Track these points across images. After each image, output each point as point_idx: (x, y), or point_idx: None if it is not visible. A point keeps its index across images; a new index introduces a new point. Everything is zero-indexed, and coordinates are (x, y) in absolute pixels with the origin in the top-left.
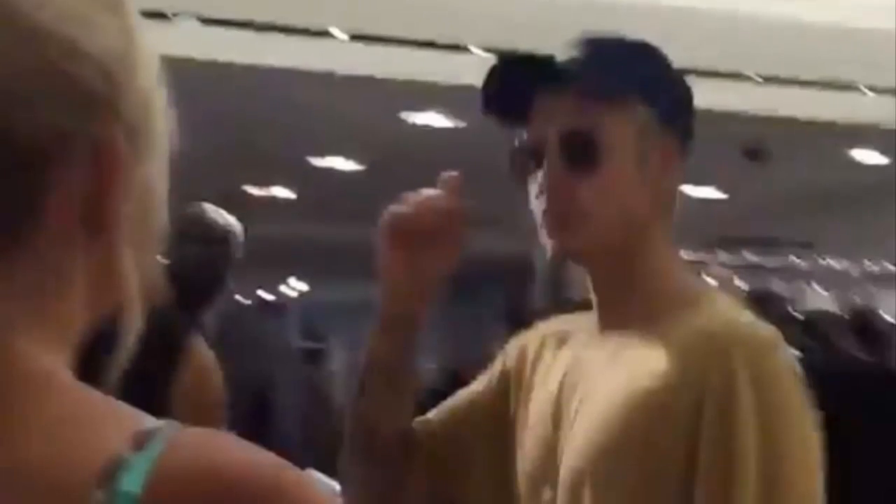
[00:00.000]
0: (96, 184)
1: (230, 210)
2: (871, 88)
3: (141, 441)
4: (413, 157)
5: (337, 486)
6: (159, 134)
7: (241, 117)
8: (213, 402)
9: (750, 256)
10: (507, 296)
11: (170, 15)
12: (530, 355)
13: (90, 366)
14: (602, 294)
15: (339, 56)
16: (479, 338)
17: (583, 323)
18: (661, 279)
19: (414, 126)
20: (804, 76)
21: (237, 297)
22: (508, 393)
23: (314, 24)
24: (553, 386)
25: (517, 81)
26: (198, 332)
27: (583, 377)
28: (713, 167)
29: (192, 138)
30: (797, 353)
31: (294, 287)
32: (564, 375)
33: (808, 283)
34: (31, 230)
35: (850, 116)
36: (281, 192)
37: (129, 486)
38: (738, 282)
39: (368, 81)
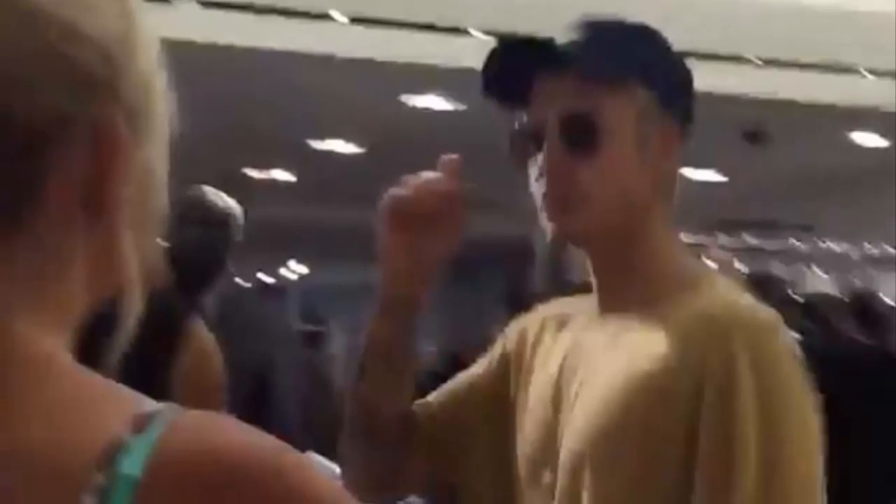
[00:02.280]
0: (96, 166)
1: (230, 193)
2: (871, 71)
3: (141, 424)
4: (413, 140)
5: (337, 469)
6: (159, 117)
7: (241, 100)
8: (212, 385)
9: (750, 239)
10: (507, 279)
11: None
12: (530, 338)
13: (90, 349)
14: (602, 277)
15: (340, 39)
16: (479, 321)
17: (583, 306)
18: (661, 262)
19: (414, 109)
20: (804, 59)
21: (237, 279)
22: (508, 376)
23: (314, 7)
24: (553, 369)
25: (517, 64)
26: (197, 315)
27: (583, 360)
28: (713, 150)
29: (192, 121)
30: (797, 335)
31: (294, 270)
32: (564, 358)
33: (808, 266)
34: (31, 213)
35: (850, 99)
36: (281, 174)
37: (129, 469)
38: (737, 265)
39: (368, 64)
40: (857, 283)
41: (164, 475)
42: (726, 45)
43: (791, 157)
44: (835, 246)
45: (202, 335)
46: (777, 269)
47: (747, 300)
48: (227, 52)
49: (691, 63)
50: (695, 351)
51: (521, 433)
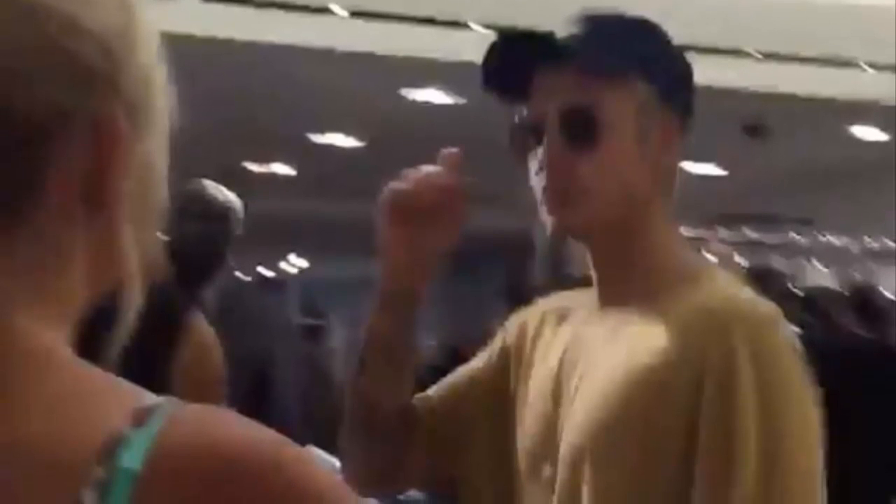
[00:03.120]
0: (96, 160)
1: (230, 186)
2: (871, 65)
3: (141, 417)
4: (413, 134)
5: (337, 463)
6: (159, 110)
7: (241, 94)
8: (212, 379)
9: (750, 233)
10: (507, 272)
11: None
12: (530, 332)
13: (90, 342)
14: (602, 270)
15: (340, 32)
16: (479, 314)
17: (583, 299)
18: (661, 256)
19: (414, 102)
20: (804, 52)
21: (237, 273)
22: (508, 369)
23: (314, 1)
24: (553, 362)
25: (517, 58)
26: (198, 309)
27: (583, 354)
28: (713, 144)
29: (192, 115)
30: (797, 329)
31: (294, 264)
32: (564, 352)
33: (808, 260)
34: (31, 207)
35: (850, 93)
36: (281, 168)
37: (129, 463)
38: (737, 258)
39: (368, 58)
40: (857, 276)
41: (164, 469)
42: (726, 39)
43: (791, 150)
44: (835, 240)
45: (202, 329)
46: (777, 262)
47: (747, 294)
48: (227, 45)
49: (691, 57)
50: (695, 345)
51: (521, 427)
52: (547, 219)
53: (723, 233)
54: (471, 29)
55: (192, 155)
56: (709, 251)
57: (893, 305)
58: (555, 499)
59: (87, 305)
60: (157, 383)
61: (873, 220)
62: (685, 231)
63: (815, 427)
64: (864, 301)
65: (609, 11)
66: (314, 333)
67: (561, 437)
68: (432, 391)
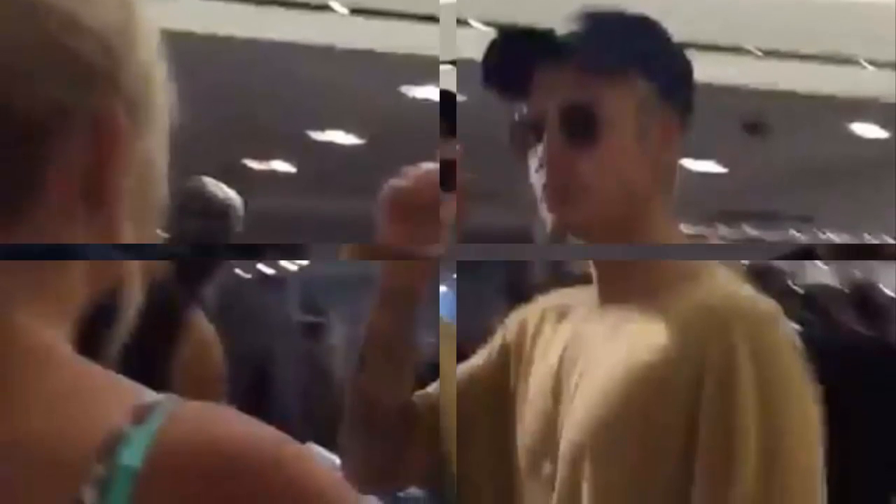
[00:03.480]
0: (96, 158)
1: (230, 184)
2: (872, 62)
3: (141, 415)
4: (413, 131)
5: (337, 460)
6: (159, 107)
7: (241, 91)
8: (212, 376)
9: (750, 230)
10: (507, 270)
11: None
12: (530, 329)
13: (91, 340)
14: (602, 268)
15: (340, 30)
16: (479, 312)
17: (583, 297)
18: None
19: (414, 100)
20: (804, 50)
21: (237, 270)
22: (508, 367)
23: None
24: (553, 360)
25: (517, 55)
26: (197, 306)
27: (583, 351)
28: (713, 141)
29: (192, 112)
30: (797, 326)
31: (294, 261)
32: (564, 349)
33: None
34: (30, 204)
35: (851, 90)
36: (281, 165)
37: (128, 460)
38: None
39: (368, 55)
40: (857, 274)
41: (164, 466)
42: (726, 36)
43: (791, 148)
44: (835, 237)
45: (202, 326)
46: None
47: (747, 291)
48: (227, 42)
49: (691, 54)
50: (695, 342)
51: (521, 424)
52: (547, 216)
53: (723, 230)
54: (471, 26)
55: (192, 152)
56: None
57: (893, 303)
58: (555, 496)
59: (87, 303)
60: (157, 380)
61: (873, 218)
62: (685, 228)
63: (816, 424)
64: (864, 298)
65: (609, 8)
66: (314, 331)
67: (561, 435)
68: (432, 388)
